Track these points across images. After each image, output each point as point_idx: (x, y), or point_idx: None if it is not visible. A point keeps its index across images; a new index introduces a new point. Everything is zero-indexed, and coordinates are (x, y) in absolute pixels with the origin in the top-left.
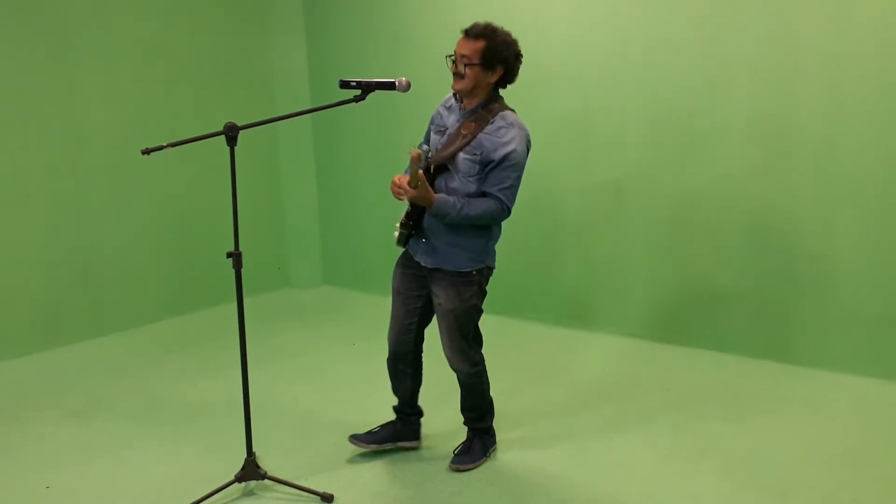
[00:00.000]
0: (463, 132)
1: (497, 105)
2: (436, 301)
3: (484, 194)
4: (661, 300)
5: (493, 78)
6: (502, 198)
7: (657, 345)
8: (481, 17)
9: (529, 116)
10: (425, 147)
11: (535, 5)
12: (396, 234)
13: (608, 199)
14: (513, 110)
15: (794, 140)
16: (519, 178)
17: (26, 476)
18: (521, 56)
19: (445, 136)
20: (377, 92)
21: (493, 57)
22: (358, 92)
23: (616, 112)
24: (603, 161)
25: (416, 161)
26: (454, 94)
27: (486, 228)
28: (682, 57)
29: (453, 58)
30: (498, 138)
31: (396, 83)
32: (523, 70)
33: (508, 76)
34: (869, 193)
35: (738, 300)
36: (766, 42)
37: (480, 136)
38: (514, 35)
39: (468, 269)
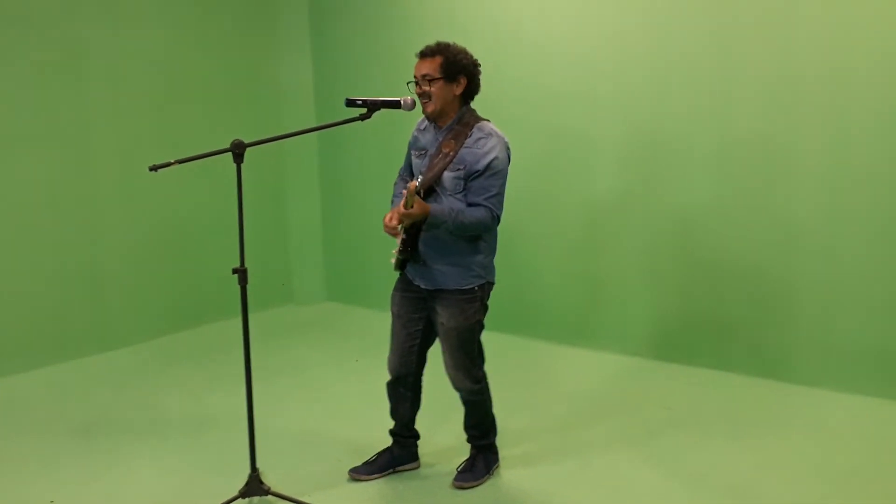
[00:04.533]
0: (444, 150)
1: (471, 118)
2: (438, 321)
3: (469, 206)
4: (662, 318)
5: (459, 90)
6: (491, 206)
7: (659, 363)
8: (488, 36)
9: (532, 133)
10: (418, 180)
11: (542, 24)
12: (393, 260)
13: (610, 216)
14: (487, 120)
15: (794, 163)
16: (503, 185)
17: (31, 490)
18: (479, 65)
19: (427, 158)
20: (382, 110)
21: (454, 68)
22: (364, 110)
23: (617, 133)
24: (604, 181)
25: (411, 194)
26: (428, 118)
27: (483, 244)
28: (684, 75)
29: (416, 81)
30: (478, 149)
31: (402, 102)
32: (527, 87)
33: (472, 86)
34: (871, 211)
35: (740, 319)
36: (768, 61)
37: (461, 151)
38: (522, 52)
39: (470, 286)
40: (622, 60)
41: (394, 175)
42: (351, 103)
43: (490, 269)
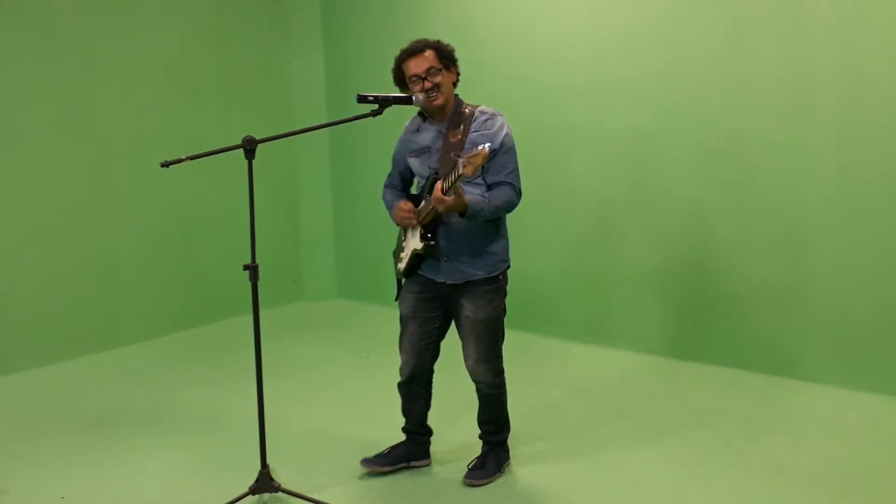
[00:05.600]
0: (452, 140)
1: (466, 104)
2: (462, 314)
3: (489, 187)
4: (677, 316)
5: (454, 77)
6: (513, 182)
7: (673, 361)
8: (499, 32)
9: (544, 130)
10: (489, 145)
11: (554, 25)
12: (403, 265)
13: (623, 213)
14: (479, 105)
15: (810, 155)
16: (516, 159)
17: (42, 485)
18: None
19: (434, 153)
20: (394, 106)
21: (447, 57)
22: (375, 106)
23: (631, 130)
24: (619, 175)
25: (485, 159)
26: (421, 114)
27: (502, 228)
28: (701, 70)
29: (421, 77)
30: (489, 130)
31: (413, 98)
32: (540, 83)
33: (459, 72)
34: (885, 208)
35: (754, 317)
36: (781, 57)
37: (471, 135)
38: (534, 48)
39: (496, 274)
40: (633, 57)
41: None
42: (363, 99)
43: (508, 252)
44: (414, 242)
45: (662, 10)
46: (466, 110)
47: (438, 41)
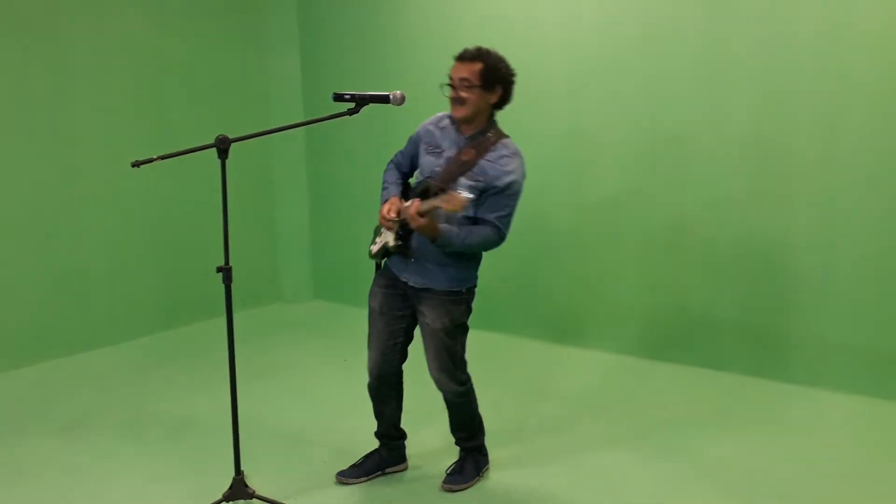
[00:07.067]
0: (463, 158)
1: (496, 131)
2: (423, 321)
3: (477, 221)
4: (655, 317)
5: (494, 99)
6: (500, 226)
7: (651, 362)
8: (477, 31)
9: (523, 133)
10: (471, 196)
11: (532, 22)
12: (375, 248)
13: (603, 216)
14: (508, 136)
15: (790, 162)
16: (515, 207)
17: (11, 491)
18: (515, 75)
19: (443, 160)
20: (371, 105)
21: (492, 76)
22: (352, 105)
23: (611, 131)
24: (598, 178)
25: (460, 209)
26: (450, 118)
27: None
28: (679, 77)
29: (451, 83)
30: (501, 166)
31: (391, 97)
32: (517, 85)
33: (506, 96)
34: (866, 209)
35: (733, 318)
36: (765, 63)
37: (482, 162)
38: (513, 50)
39: (458, 289)
40: (616, 60)
41: (382, 171)
42: (339, 98)
43: (476, 272)
44: (388, 236)
45: (646, 10)
46: (492, 136)
47: (497, 59)
